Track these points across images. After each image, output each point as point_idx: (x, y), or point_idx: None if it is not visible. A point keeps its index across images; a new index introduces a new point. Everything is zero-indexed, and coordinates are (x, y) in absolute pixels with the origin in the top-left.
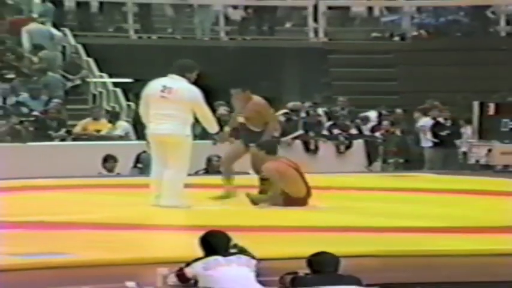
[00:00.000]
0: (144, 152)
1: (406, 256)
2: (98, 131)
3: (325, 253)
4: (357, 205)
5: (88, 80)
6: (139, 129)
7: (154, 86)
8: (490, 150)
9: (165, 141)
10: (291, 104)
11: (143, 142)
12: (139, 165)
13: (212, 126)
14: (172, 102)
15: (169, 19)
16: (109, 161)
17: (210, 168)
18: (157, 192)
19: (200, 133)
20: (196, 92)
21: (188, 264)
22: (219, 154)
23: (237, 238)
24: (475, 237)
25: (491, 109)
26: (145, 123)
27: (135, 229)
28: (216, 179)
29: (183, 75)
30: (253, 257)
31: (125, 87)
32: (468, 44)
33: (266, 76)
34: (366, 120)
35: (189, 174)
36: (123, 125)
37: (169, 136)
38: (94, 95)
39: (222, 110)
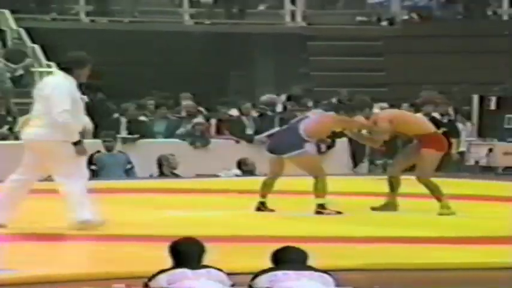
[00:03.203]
0: (98, 151)
1: (397, 270)
2: None
3: (292, 247)
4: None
5: (33, 69)
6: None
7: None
8: (491, 150)
9: (31, 148)
10: (265, 97)
11: (98, 141)
12: (92, 167)
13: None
14: (38, 101)
15: (126, 0)
16: None
17: (165, 169)
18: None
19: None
20: (55, 84)
21: (152, 277)
22: (173, 153)
23: (208, 249)
24: (474, 249)
25: (493, 103)
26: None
27: (84, 240)
28: (179, 183)
29: (69, 71)
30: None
31: None
32: (466, 29)
33: (237, 66)
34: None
35: (143, 178)
36: None
37: (32, 142)
38: None
39: (187, 102)
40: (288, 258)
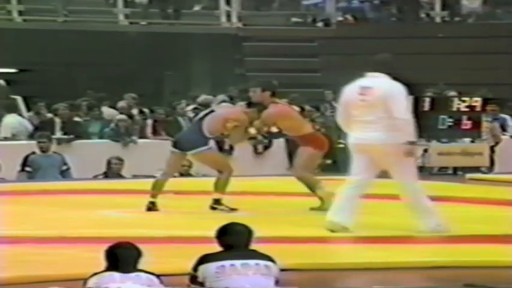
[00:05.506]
0: (33, 153)
1: (327, 270)
2: None
3: (236, 225)
4: (277, 212)
5: None
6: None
7: (350, 88)
8: (426, 151)
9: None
10: (201, 98)
11: (32, 142)
12: (27, 168)
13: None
14: (370, 105)
15: (60, 0)
16: None
17: (110, 172)
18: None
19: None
20: (391, 85)
21: (87, 279)
22: (120, 157)
23: (144, 250)
24: (394, 248)
25: (427, 104)
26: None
27: (20, 242)
28: (116, 184)
29: (387, 73)
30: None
31: (8, 79)
32: (399, 31)
33: (172, 66)
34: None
35: (87, 179)
36: (10, 122)
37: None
38: None
39: (123, 103)
40: (233, 240)
